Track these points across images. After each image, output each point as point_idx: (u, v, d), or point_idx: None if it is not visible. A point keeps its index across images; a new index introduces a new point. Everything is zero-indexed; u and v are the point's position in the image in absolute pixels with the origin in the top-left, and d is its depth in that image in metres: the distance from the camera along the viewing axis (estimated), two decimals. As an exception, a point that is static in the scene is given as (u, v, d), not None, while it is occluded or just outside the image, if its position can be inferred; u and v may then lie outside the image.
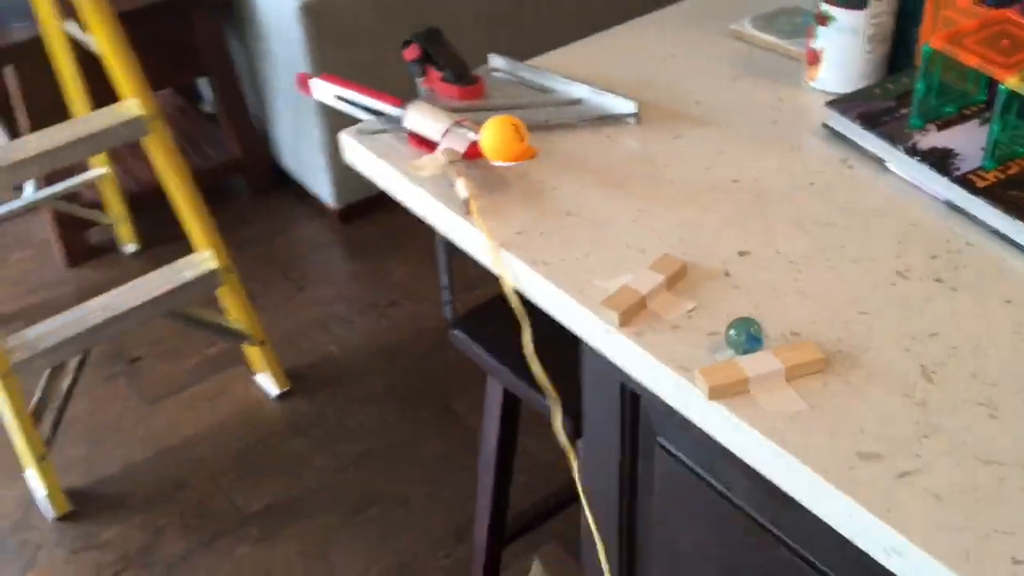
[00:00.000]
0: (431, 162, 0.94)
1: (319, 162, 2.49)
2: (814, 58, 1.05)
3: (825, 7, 1.02)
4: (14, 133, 2.52)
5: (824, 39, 1.04)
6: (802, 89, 1.08)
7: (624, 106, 1.04)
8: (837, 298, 0.81)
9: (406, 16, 2.38)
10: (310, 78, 1.09)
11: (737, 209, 0.92)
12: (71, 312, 1.83)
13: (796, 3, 1.21)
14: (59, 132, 1.77)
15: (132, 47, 1.77)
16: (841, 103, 0.99)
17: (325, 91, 1.07)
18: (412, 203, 0.99)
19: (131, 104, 1.79)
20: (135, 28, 2.00)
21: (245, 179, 2.72)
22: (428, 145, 1.00)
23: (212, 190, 2.61)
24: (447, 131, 0.96)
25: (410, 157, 0.99)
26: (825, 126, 1.00)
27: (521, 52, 1.17)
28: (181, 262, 1.92)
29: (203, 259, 1.93)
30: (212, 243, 1.91)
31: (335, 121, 2.36)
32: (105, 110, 1.81)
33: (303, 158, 2.57)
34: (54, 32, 2.09)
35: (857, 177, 0.95)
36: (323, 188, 2.54)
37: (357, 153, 1.03)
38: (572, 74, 1.09)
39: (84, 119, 1.82)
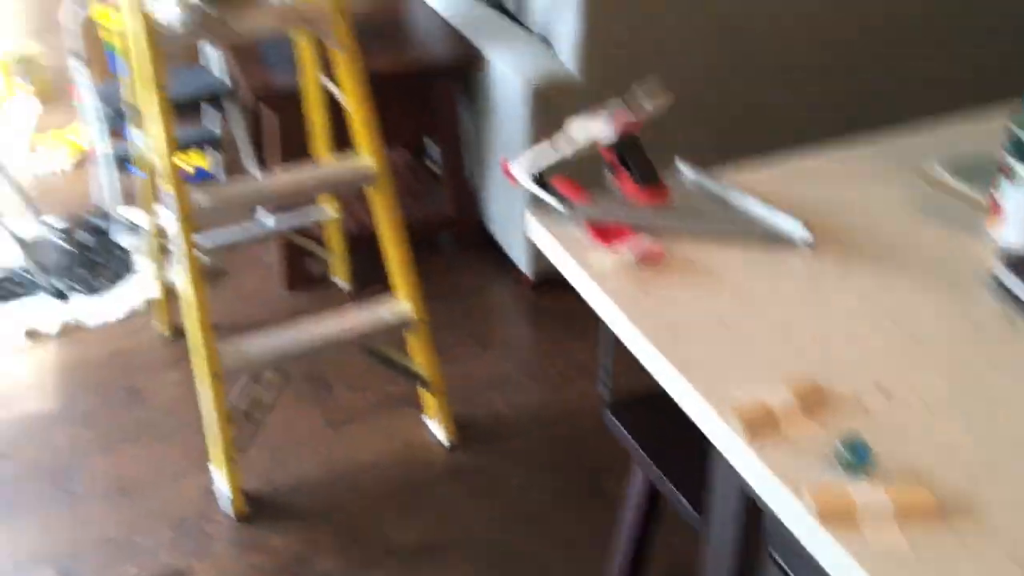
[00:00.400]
0: (605, 256, 1.03)
1: (520, 233, 2.63)
2: (996, 209, 1.06)
3: (1011, 161, 1.03)
4: (263, 165, 2.82)
5: (1007, 192, 1.05)
6: (981, 238, 1.09)
7: (797, 231, 1.09)
8: (966, 449, 0.82)
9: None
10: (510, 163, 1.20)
11: (888, 346, 0.94)
12: (282, 331, 2.03)
13: (992, 151, 1.22)
14: (302, 172, 2.00)
15: (376, 106, 1.97)
16: (1016, 258, 1.00)
17: (520, 171, 1.19)
18: (578, 285, 1.08)
19: (365, 157, 1.99)
20: (382, 89, 2.23)
21: (454, 236, 2.92)
22: (604, 237, 1.09)
23: (424, 241, 2.83)
24: (602, 117, 1.10)
25: (587, 246, 1.08)
26: (995, 279, 1.01)
27: (738, 154, 1.24)
28: (382, 305, 2.10)
29: (402, 305, 2.09)
30: (412, 292, 2.07)
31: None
32: (343, 159, 2.02)
33: (507, 226, 2.72)
34: (312, 83, 2.35)
35: (1019, 336, 0.95)
36: (521, 258, 2.68)
37: (538, 231, 1.14)
38: (757, 190, 1.15)
39: (324, 164, 2.04)
